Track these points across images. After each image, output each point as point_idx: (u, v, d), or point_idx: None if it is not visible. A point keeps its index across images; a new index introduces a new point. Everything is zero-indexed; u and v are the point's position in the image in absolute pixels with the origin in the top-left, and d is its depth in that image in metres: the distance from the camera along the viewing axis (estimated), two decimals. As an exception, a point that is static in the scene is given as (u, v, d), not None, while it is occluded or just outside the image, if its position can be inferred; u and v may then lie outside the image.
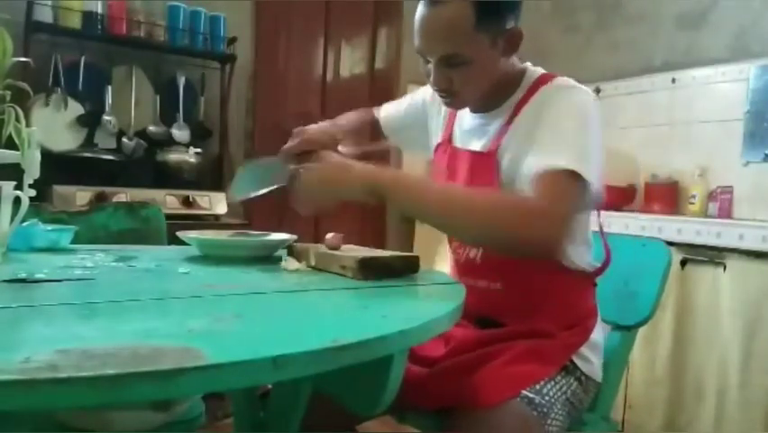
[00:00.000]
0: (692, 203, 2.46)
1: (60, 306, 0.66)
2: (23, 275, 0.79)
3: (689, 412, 1.95)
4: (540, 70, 1.09)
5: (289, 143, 1.14)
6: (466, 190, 1.01)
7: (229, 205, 2.47)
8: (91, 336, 0.54)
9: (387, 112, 1.35)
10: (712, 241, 1.92)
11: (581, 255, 1.08)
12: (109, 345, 0.50)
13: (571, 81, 1.03)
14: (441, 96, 1.08)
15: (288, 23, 2.93)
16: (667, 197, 2.55)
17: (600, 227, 1.12)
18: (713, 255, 1.92)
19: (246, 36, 2.75)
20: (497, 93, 1.07)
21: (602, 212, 1.15)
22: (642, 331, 1.25)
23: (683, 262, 1.98)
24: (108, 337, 0.54)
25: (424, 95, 1.28)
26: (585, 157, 0.92)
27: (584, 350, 1.06)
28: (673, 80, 2.67)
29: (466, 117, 1.16)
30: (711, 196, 2.42)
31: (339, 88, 3.16)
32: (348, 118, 1.32)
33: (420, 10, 1.00)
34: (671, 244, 1.33)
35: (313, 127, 1.19)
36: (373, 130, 1.36)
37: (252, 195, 1.12)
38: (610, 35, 2.94)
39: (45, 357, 0.44)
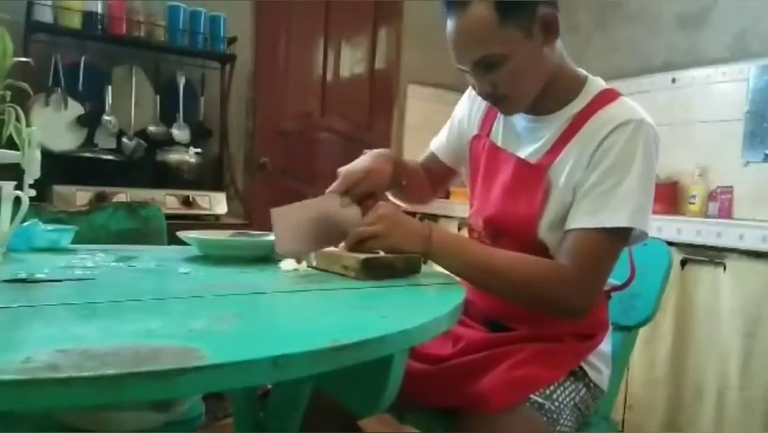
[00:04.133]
0: (692, 203, 2.46)
1: (60, 306, 0.66)
2: (23, 275, 0.79)
3: (689, 412, 1.95)
4: (600, 82, 1.05)
5: (334, 184, 1.05)
6: (505, 258, 0.98)
7: (229, 205, 2.47)
8: (91, 336, 0.54)
9: (436, 144, 1.28)
10: (712, 241, 1.92)
11: None
12: (109, 345, 0.50)
13: (637, 110, 0.97)
14: (492, 104, 1.04)
15: (287, 23, 2.93)
16: (667, 197, 2.55)
17: (629, 248, 1.08)
18: (713, 255, 1.91)
19: (246, 36, 2.75)
20: (554, 95, 1.02)
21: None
22: (642, 331, 1.25)
23: (683, 263, 1.98)
24: (108, 337, 0.54)
25: (462, 104, 1.23)
26: (643, 208, 0.93)
27: (593, 359, 1.05)
28: (673, 80, 2.66)
29: (515, 117, 1.09)
30: (711, 196, 2.42)
31: (339, 88, 3.16)
32: (405, 162, 1.24)
33: (447, 24, 0.98)
34: (671, 244, 1.33)
35: (358, 167, 1.08)
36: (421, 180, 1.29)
37: (306, 250, 1.02)
38: (610, 35, 2.94)
39: (45, 357, 0.44)
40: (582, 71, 1.06)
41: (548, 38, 0.97)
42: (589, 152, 0.96)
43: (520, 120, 1.08)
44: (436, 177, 1.29)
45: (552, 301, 0.95)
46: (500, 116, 1.12)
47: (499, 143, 1.10)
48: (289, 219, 1.01)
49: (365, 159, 1.11)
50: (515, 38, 0.93)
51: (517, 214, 1.01)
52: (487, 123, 1.15)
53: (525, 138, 1.06)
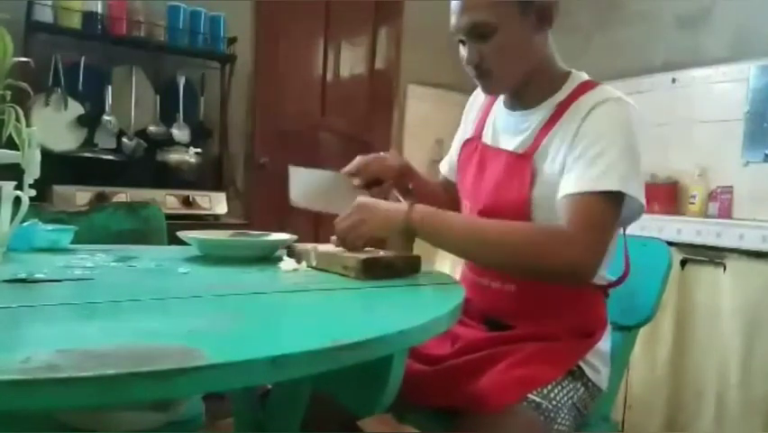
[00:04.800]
0: (692, 203, 2.46)
1: (60, 306, 0.66)
2: (23, 275, 0.79)
3: (689, 412, 1.95)
4: (584, 75, 1.08)
5: (350, 165, 1.19)
6: (493, 223, 0.98)
7: (229, 205, 2.47)
8: (91, 336, 0.54)
9: (445, 167, 1.32)
10: (712, 241, 1.92)
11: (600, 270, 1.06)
12: (109, 345, 0.50)
13: (615, 92, 1.01)
14: (476, 79, 1.07)
15: (287, 23, 2.93)
16: (667, 197, 2.55)
17: (625, 241, 1.10)
18: (713, 255, 1.91)
19: (246, 36, 2.75)
20: (537, 88, 1.06)
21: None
22: (642, 331, 1.25)
23: (683, 262, 1.98)
24: (108, 337, 0.54)
25: (462, 124, 1.27)
26: (631, 175, 0.93)
27: (592, 358, 1.05)
28: (673, 80, 2.67)
29: (501, 115, 1.14)
30: (711, 196, 2.42)
31: (339, 88, 3.16)
32: (417, 172, 1.28)
33: None
34: (671, 244, 1.33)
35: (371, 154, 1.21)
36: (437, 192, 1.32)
37: (312, 207, 1.18)
38: (610, 35, 2.94)
39: (45, 357, 0.44)
40: (567, 68, 1.09)
41: (542, 24, 1.02)
42: (572, 131, 0.98)
43: (507, 117, 1.12)
44: (454, 197, 1.29)
45: (552, 262, 0.91)
46: (490, 117, 1.17)
47: (489, 142, 1.14)
48: (303, 179, 1.21)
49: (382, 153, 1.23)
50: (509, 12, 0.98)
51: (509, 201, 1.03)
52: (479, 127, 1.19)
53: (512, 132, 1.10)
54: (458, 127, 1.29)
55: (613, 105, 0.98)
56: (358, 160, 1.18)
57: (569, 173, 0.97)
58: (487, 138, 1.15)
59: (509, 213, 1.02)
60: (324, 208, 1.15)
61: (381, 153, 1.23)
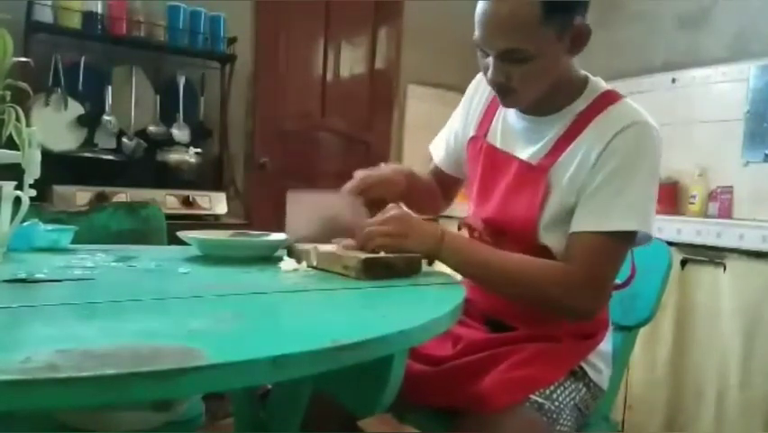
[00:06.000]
0: (692, 203, 2.46)
1: (60, 306, 0.65)
2: (23, 275, 0.79)
3: (689, 412, 1.95)
4: (602, 83, 1.04)
5: (351, 184, 1.10)
6: (514, 260, 0.98)
7: (229, 205, 2.47)
8: (91, 336, 0.54)
9: (437, 157, 1.28)
10: (712, 241, 1.92)
11: None
12: (109, 345, 0.50)
13: (642, 112, 0.97)
14: (497, 93, 1.01)
15: (287, 23, 2.93)
16: (667, 197, 2.55)
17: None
18: (713, 255, 1.91)
19: (246, 36, 2.75)
20: (554, 96, 1.01)
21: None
22: (642, 331, 1.25)
23: (683, 263, 1.98)
24: (108, 337, 0.54)
25: (458, 113, 1.22)
26: (650, 212, 0.94)
27: (593, 359, 1.05)
28: (673, 80, 2.66)
29: (512, 115, 1.09)
30: (711, 196, 2.42)
31: (339, 88, 3.16)
32: (419, 177, 1.25)
33: (483, 2, 0.94)
34: (671, 244, 1.33)
35: (375, 174, 1.12)
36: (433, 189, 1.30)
37: (314, 233, 1.09)
38: (610, 35, 2.94)
39: (45, 357, 0.44)
40: (583, 72, 1.05)
41: (575, 48, 0.97)
42: (595, 154, 0.95)
43: (520, 120, 1.07)
44: (446, 187, 1.30)
45: (559, 305, 0.96)
46: (499, 117, 1.11)
47: (498, 144, 1.09)
48: (302, 206, 1.12)
49: (383, 168, 1.14)
50: (548, 39, 0.92)
51: (518, 215, 1.01)
52: (484, 123, 1.14)
53: (525, 139, 1.05)
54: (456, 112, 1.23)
55: (641, 131, 0.94)
56: (362, 179, 1.09)
57: (585, 205, 0.95)
58: (494, 139, 1.10)
59: (515, 228, 1.01)
60: (322, 239, 1.06)
61: (382, 168, 1.14)
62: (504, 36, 0.92)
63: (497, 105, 1.12)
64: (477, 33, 0.95)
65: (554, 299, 0.95)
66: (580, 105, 1.01)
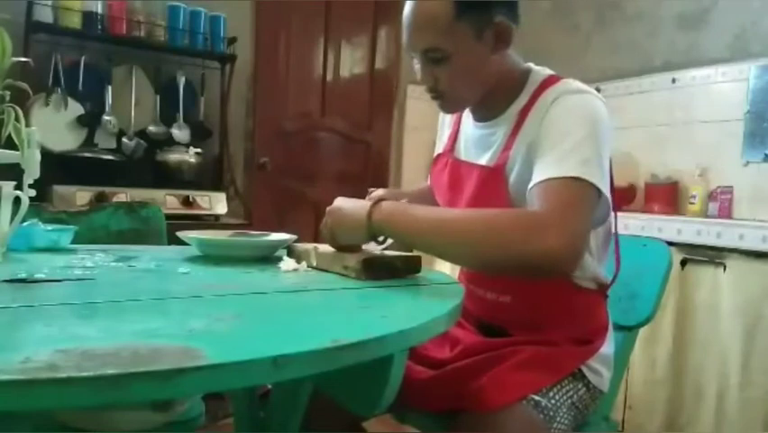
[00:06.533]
0: (692, 203, 2.46)
1: (60, 306, 0.65)
2: (23, 275, 0.79)
3: (689, 412, 1.95)
4: (546, 71, 1.03)
5: None
6: (460, 211, 0.95)
7: (229, 205, 2.47)
8: (91, 336, 0.54)
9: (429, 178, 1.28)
10: (712, 241, 1.92)
11: (593, 271, 1.04)
12: (109, 345, 0.50)
13: (578, 84, 0.96)
14: (433, 99, 1.04)
15: (288, 23, 2.94)
16: (667, 197, 2.55)
17: (615, 237, 1.07)
18: (713, 255, 1.91)
19: (246, 36, 2.75)
20: (499, 97, 1.02)
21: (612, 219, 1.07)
22: (642, 331, 1.25)
23: (683, 262, 1.98)
24: (108, 337, 0.54)
25: (438, 135, 1.23)
26: (593, 164, 0.86)
27: (594, 362, 1.04)
28: (673, 80, 2.66)
29: (470, 127, 1.10)
30: (711, 196, 2.42)
31: (339, 88, 3.16)
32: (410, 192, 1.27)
33: (406, 5, 0.98)
34: (671, 243, 1.33)
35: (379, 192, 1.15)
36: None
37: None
38: (610, 35, 2.94)
39: (45, 357, 0.44)
40: (526, 65, 1.05)
41: (498, 46, 0.98)
42: (534, 131, 0.94)
43: (475, 129, 1.09)
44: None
45: (525, 250, 0.79)
46: (462, 131, 1.13)
47: (462, 157, 1.11)
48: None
49: (375, 194, 1.14)
50: (465, 37, 0.94)
51: None
52: (450, 139, 1.16)
53: (482, 145, 1.06)
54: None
55: (574, 97, 0.93)
56: None
57: (540, 163, 0.90)
58: (459, 153, 1.12)
59: None
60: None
61: (380, 194, 1.10)
62: (421, 35, 0.96)
63: (459, 121, 1.15)
64: (403, 38, 0.99)
65: (518, 244, 0.79)
66: (523, 100, 1.00)
